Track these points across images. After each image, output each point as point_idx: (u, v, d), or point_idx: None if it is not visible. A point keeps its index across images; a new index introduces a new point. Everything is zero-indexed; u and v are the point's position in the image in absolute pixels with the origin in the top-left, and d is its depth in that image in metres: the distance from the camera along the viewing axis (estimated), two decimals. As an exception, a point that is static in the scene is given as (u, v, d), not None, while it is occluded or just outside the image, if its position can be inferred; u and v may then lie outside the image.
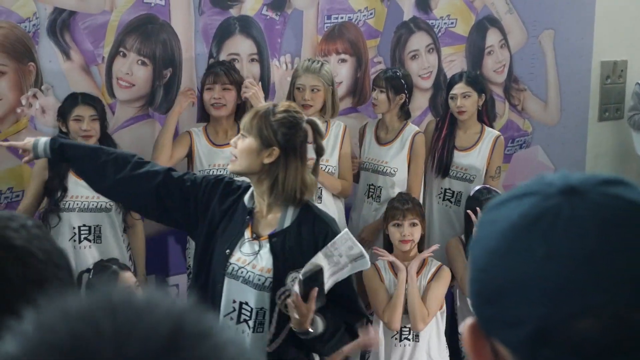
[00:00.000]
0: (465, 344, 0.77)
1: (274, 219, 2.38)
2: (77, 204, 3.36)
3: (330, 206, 3.70)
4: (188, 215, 2.46)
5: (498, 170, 4.10)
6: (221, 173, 3.31)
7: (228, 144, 3.38)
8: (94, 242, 3.38)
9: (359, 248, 2.28)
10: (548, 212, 0.71)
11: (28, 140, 2.53)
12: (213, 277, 2.40)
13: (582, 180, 0.72)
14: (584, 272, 0.68)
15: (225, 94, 3.52)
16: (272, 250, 2.35)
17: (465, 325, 0.77)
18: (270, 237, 2.36)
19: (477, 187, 3.81)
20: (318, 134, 2.39)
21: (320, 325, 2.27)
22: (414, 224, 3.45)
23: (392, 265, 3.52)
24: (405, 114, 3.94)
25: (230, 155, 2.43)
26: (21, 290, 0.91)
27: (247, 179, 2.46)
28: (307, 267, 2.21)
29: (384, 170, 3.91)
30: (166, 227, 3.65)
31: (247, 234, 2.38)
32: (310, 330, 2.24)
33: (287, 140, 2.31)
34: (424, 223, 3.56)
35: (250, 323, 2.37)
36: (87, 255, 3.35)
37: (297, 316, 2.22)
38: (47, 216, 3.35)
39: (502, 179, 4.40)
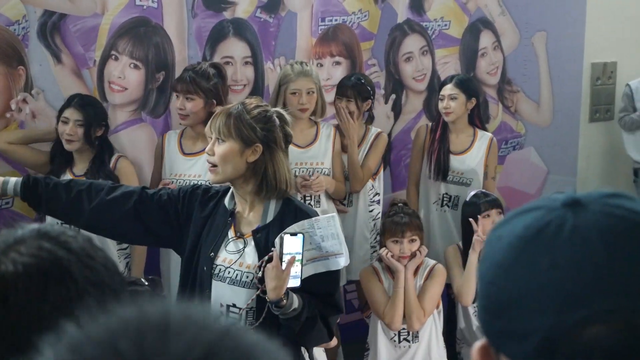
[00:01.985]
0: None
1: (256, 216, 2.37)
2: None
3: (330, 210, 3.67)
4: (171, 230, 2.43)
5: (494, 171, 4.14)
6: (182, 185, 3.29)
7: (196, 153, 3.38)
8: None
9: (341, 243, 2.32)
10: (552, 222, 0.72)
11: None
12: (200, 283, 2.38)
13: (585, 194, 0.74)
14: (590, 280, 0.68)
15: (188, 103, 3.36)
16: (257, 246, 2.34)
17: (474, 347, 0.77)
18: (254, 233, 2.35)
19: (473, 192, 3.80)
20: (285, 123, 2.41)
21: (295, 301, 2.26)
22: (412, 240, 3.44)
23: (389, 270, 3.51)
24: (370, 118, 3.95)
25: (204, 164, 2.43)
26: (85, 292, 0.92)
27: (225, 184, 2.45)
28: (291, 227, 2.27)
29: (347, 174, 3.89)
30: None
31: (231, 233, 2.38)
32: (284, 301, 2.23)
33: (267, 134, 2.33)
34: (422, 234, 3.54)
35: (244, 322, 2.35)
36: None
37: (273, 283, 2.22)
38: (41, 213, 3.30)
39: (496, 181, 4.40)
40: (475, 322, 3.62)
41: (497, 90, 4.83)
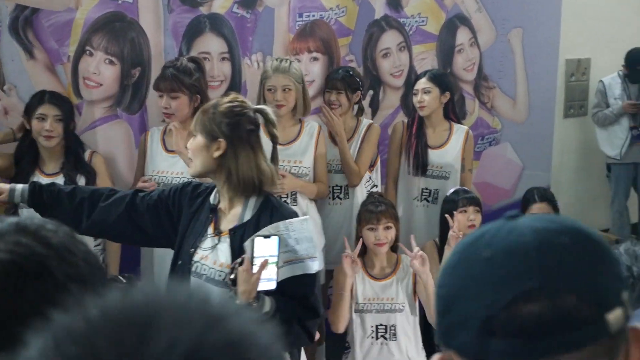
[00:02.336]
0: None
1: (236, 213, 2.36)
2: None
3: (305, 208, 3.65)
4: (164, 230, 2.45)
5: (471, 164, 4.18)
6: (164, 182, 3.29)
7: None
8: None
9: (315, 246, 2.32)
10: (493, 228, 0.82)
11: (3, 186, 2.55)
12: (181, 279, 2.36)
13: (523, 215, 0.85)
14: (520, 264, 0.76)
15: (172, 102, 3.32)
16: (232, 244, 2.33)
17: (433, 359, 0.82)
18: (231, 231, 2.34)
19: (453, 189, 3.81)
20: (270, 123, 2.40)
21: (267, 304, 2.24)
22: (388, 227, 3.45)
23: (366, 269, 3.49)
24: (360, 110, 3.97)
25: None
26: (64, 288, 0.90)
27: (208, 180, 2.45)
28: (263, 230, 2.25)
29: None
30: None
31: (210, 230, 2.37)
32: (255, 304, 2.22)
33: (232, 129, 2.31)
34: (398, 224, 3.55)
35: None
36: None
37: (242, 287, 2.21)
38: (11, 213, 3.23)
39: (473, 174, 4.42)
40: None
41: (474, 86, 4.84)
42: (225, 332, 0.55)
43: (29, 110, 3.27)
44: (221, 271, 2.32)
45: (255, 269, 2.22)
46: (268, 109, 2.44)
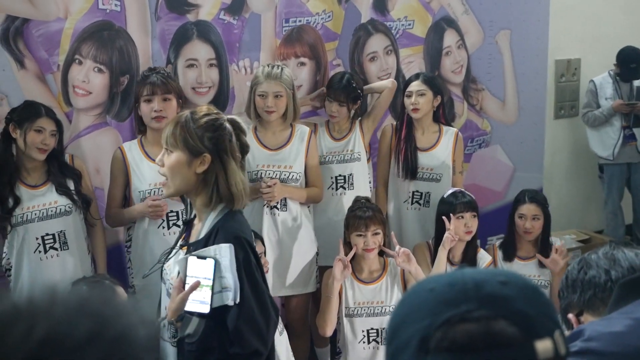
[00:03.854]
0: None
1: (198, 229, 2.32)
2: (36, 214, 3.28)
3: (296, 213, 3.69)
4: None
5: (461, 166, 4.21)
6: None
7: None
8: (61, 250, 3.31)
9: (231, 280, 2.16)
10: (441, 274, 0.92)
11: None
12: (159, 290, 2.44)
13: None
14: (460, 293, 0.85)
15: (165, 105, 3.33)
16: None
17: None
18: (190, 246, 2.29)
19: (451, 190, 3.83)
20: (241, 132, 2.33)
21: (191, 327, 2.16)
22: (376, 233, 3.47)
23: (354, 274, 3.52)
24: (357, 114, 4.02)
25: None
26: None
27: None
28: (201, 250, 2.18)
29: (351, 157, 3.95)
30: (123, 238, 3.61)
31: (180, 242, 2.37)
32: (179, 323, 2.19)
33: (215, 143, 2.23)
34: (385, 229, 3.57)
35: (167, 335, 2.34)
36: (55, 265, 3.28)
37: (171, 304, 2.18)
38: (2, 226, 3.26)
39: (463, 176, 4.45)
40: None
41: (462, 88, 4.87)
42: (92, 324, 0.56)
43: (22, 122, 3.24)
44: (171, 284, 2.29)
45: (186, 288, 2.17)
46: (239, 119, 2.37)
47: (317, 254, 3.83)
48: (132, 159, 3.41)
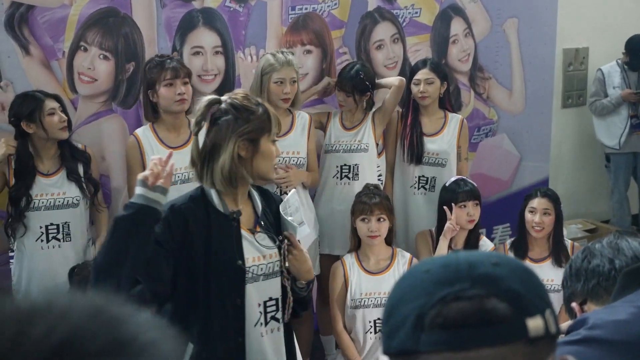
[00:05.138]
0: None
1: (248, 208, 2.35)
2: (43, 202, 3.29)
3: (302, 197, 3.70)
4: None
5: (467, 152, 4.19)
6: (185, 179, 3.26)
7: (182, 145, 3.31)
8: (63, 241, 3.31)
9: (300, 214, 2.44)
10: (437, 256, 0.96)
11: None
12: (222, 299, 2.29)
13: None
14: (453, 273, 0.87)
15: (186, 88, 3.38)
16: (267, 234, 2.35)
17: None
18: (258, 225, 2.34)
19: (454, 178, 3.82)
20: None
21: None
22: (381, 219, 3.46)
23: (361, 264, 3.52)
24: (369, 106, 4.00)
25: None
26: None
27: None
28: (281, 208, 2.39)
29: (358, 147, 3.94)
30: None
31: (244, 233, 2.32)
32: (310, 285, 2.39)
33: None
34: (392, 217, 3.56)
35: (279, 315, 2.38)
36: (56, 255, 3.29)
37: (306, 265, 2.34)
38: (13, 226, 3.26)
39: (469, 168, 4.44)
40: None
41: (469, 77, 4.84)
42: (112, 322, 0.55)
43: (32, 114, 3.22)
44: (270, 262, 2.34)
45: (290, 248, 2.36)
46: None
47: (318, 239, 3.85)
48: (147, 146, 3.42)
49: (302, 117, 3.78)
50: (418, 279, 0.90)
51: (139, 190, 2.09)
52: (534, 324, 0.85)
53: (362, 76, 3.88)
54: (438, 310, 0.85)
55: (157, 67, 3.40)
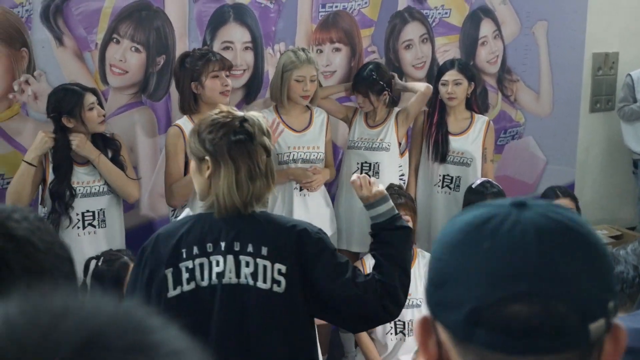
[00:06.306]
0: (415, 336, 0.86)
1: None
2: (80, 190, 3.31)
3: (322, 191, 3.73)
4: None
5: (492, 154, 4.20)
6: None
7: None
8: (99, 227, 3.35)
9: None
10: (498, 215, 0.83)
11: None
12: None
13: (531, 199, 0.86)
14: (518, 265, 0.79)
15: (229, 80, 3.47)
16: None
17: (416, 320, 0.87)
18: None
19: (479, 180, 3.81)
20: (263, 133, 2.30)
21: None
22: (406, 220, 3.46)
23: None
24: (391, 103, 4.00)
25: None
26: (23, 281, 0.92)
27: None
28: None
29: (380, 146, 3.95)
30: (153, 216, 3.63)
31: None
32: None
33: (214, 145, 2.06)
34: (415, 217, 3.56)
35: None
36: (90, 241, 3.31)
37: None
38: (56, 220, 3.25)
39: (494, 170, 4.43)
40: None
41: (497, 79, 4.84)
42: (135, 325, 0.56)
43: (73, 109, 3.21)
44: None
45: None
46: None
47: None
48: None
49: (320, 113, 3.82)
50: (477, 258, 0.81)
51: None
52: (596, 327, 0.80)
53: (374, 77, 3.88)
54: (495, 310, 0.78)
55: (201, 59, 3.42)
